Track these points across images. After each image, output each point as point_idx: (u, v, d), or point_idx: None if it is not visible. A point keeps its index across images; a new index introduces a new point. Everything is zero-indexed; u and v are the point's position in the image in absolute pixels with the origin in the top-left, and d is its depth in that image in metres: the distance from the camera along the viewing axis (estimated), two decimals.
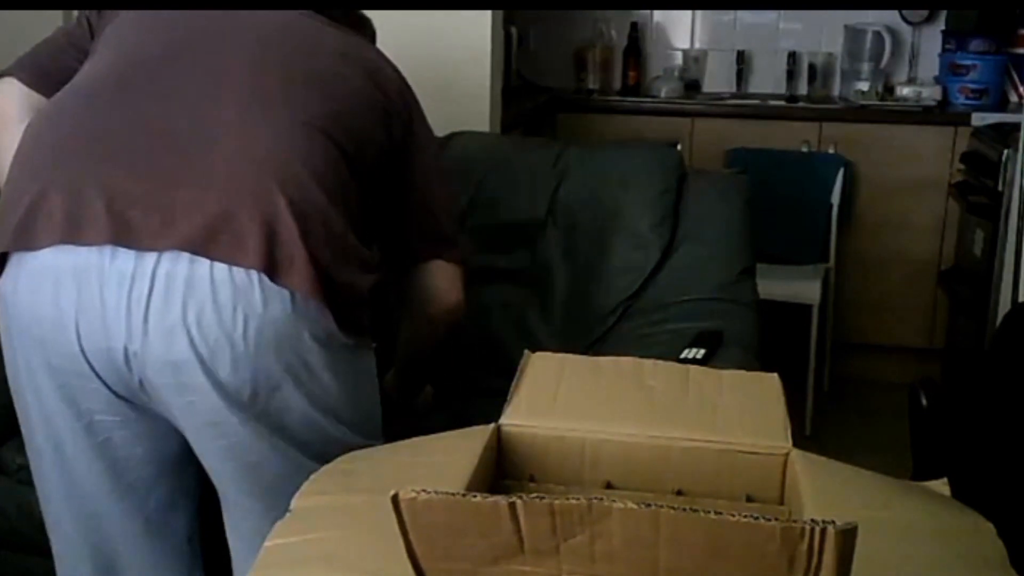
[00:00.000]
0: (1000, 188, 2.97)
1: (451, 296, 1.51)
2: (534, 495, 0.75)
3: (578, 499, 0.73)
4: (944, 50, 3.87)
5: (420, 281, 1.51)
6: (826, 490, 1.00)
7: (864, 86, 3.81)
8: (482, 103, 2.72)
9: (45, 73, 1.44)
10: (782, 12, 4.08)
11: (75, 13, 1.53)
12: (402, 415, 1.45)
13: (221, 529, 1.42)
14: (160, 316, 1.21)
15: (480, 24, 2.71)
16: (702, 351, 1.83)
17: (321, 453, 1.22)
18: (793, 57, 4.01)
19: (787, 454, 1.09)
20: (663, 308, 2.09)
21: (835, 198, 3.49)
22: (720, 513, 0.71)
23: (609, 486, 1.12)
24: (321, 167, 1.29)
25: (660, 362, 1.27)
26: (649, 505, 0.73)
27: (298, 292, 1.23)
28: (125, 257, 1.21)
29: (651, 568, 0.74)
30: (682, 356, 1.81)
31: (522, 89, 3.86)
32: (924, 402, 2.00)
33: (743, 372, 1.26)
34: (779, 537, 0.70)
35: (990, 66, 3.72)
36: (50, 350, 1.26)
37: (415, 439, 1.15)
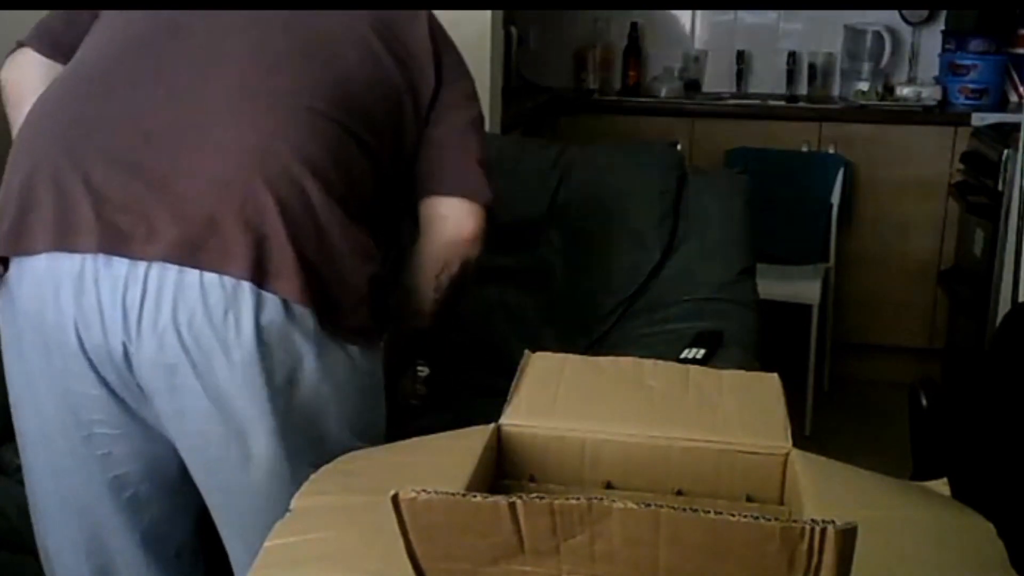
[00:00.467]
0: (1000, 188, 2.97)
1: (468, 226, 1.43)
2: (534, 495, 0.75)
3: (578, 499, 0.73)
4: (944, 50, 3.87)
5: (436, 210, 1.44)
6: (826, 490, 1.00)
7: (864, 86, 3.81)
8: (482, 103, 2.71)
9: (60, 41, 1.43)
10: (782, 12, 4.08)
11: None
12: (391, 412, 1.43)
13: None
14: (152, 319, 1.20)
15: (480, 24, 2.71)
16: (702, 351, 1.83)
17: (317, 460, 1.19)
18: (793, 57, 4.01)
19: (787, 454, 1.09)
20: (663, 308, 2.09)
21: (835, 198, 3.49)
22: (720, 513, 0.71)
23: (609, 486, 1.12)
24: (317, 153, 1.26)
25: (660, 362, 1.27)
26: (649, 505, 0.72)
27: (289, 298, 1.22)
28: (119, 264, 1.21)
29: (651, 568, 0.74)
30: (682, 356, 1.81)
31: (522, 89, 3.86)
32: (924, 402, 2.00)
33: (743, 372, 1.26)
34: (779, 537, 0.70)
35: (990, 66, 3.72)
36: (53, 353, 1.26)
37: (415, 439, 1.15)
